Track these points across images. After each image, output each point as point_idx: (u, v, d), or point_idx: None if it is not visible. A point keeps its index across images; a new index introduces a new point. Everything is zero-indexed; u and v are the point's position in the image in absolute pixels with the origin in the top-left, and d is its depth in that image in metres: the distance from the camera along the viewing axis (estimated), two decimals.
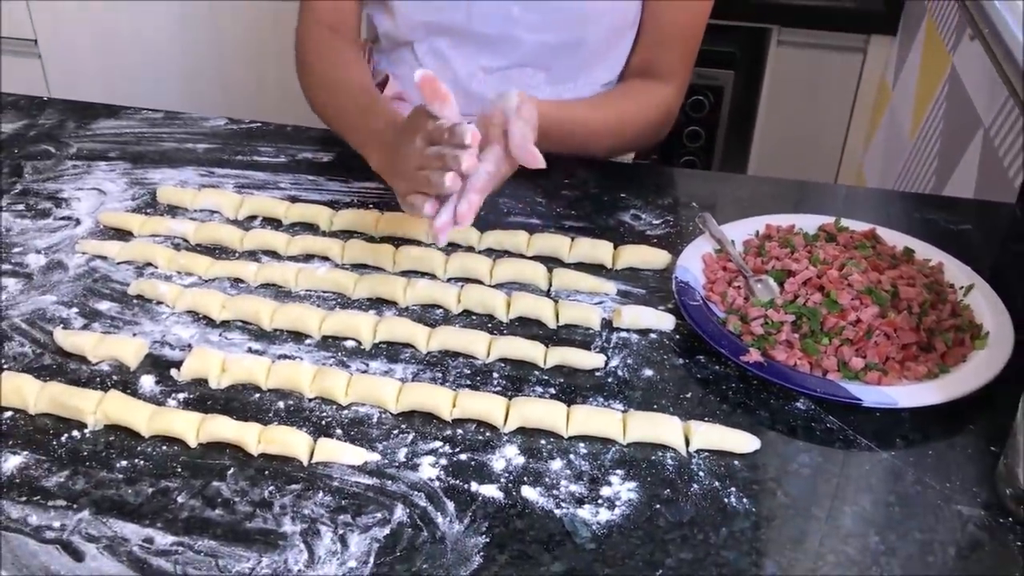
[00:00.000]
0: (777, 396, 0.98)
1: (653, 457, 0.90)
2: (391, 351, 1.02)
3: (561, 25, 1.29)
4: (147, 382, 0.97)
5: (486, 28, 1.30)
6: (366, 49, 1.46)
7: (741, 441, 0.91)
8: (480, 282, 1.12)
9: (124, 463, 0.88)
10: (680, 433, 0.91)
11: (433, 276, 1.12)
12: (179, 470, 0.88)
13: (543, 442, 0.92)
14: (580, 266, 1.16)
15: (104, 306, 1.07)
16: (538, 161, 0.97)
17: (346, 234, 1.20)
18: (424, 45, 1.34)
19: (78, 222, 1.21)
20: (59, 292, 1.09)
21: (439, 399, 0.93)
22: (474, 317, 1.07)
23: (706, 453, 0.91)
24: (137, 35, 2.64)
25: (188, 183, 1.29)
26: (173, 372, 0.98)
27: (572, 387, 0.98)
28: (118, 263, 1.14)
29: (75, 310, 1.07)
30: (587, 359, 1.00)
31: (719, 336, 1.00)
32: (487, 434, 0.92)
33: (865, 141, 2.37)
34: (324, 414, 0.94)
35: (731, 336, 1.01)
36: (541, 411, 0.92)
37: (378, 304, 1.09)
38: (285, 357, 1.01)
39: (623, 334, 1.05)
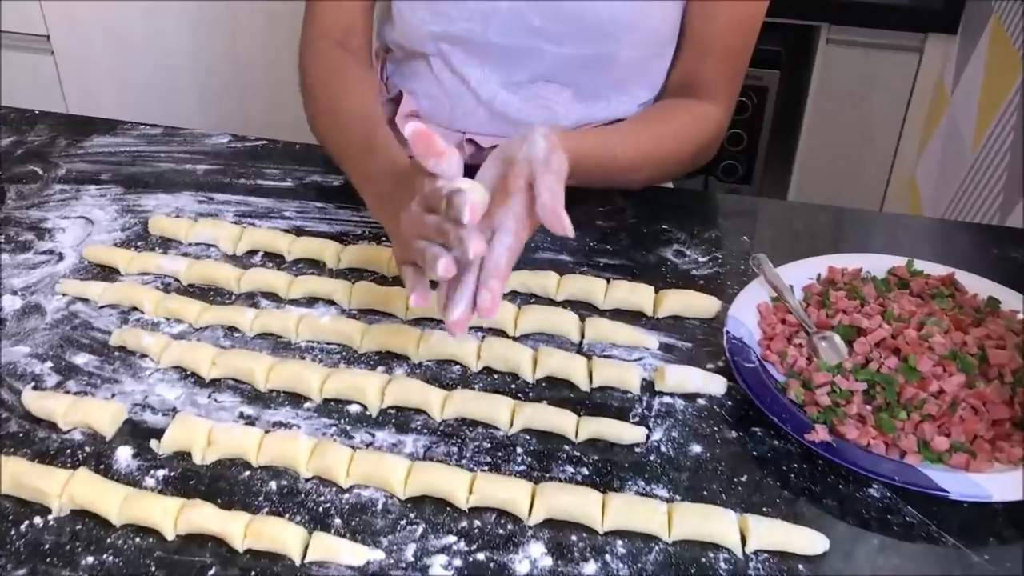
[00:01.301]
0: (847, 480, 0.84)
1: (703, 559, 0.77)
2: (401, 418, 0.90)
3: (586, 38, 1.15)
4: (123, 455, 0.85)
5: (504, 39, 1.16)
6: (379, 59, 1.32)
7: (807, 541, 0.78)
8: (503, 333, 0.99)
9: (91, 559, 0.76)
10: (735, 530, 0.78)
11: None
12: (152, 569, 0.76)
13: (574, 538, 0.79)
14: (617, 313, 1.02)
15: (82, 359, 0.96)
16: (567, 230, 0.82)
17: (355, 272, 1.07)
18: (438, 59, 1.20)
19: (61, 257, 1.10)
20: (34, 342, 0.98)
21: (454, 483, 0.81)
22: (496, 376, 0.94)
23: (765, 555, 0.77)
24: (152, 32, 2.53)
25: (184, 211, 1.17)
26: (153, 443, 0.86)
27: (608, 466, 0.85)
28: (101, 307, 1.02)
29: (49, 364, 0.95)
30: (625, 432, 0.87)
31: (780, 409, 0.87)
32: (509, 527, 0.80)
33: (919, 150, 2.20)
34: (322, 498, 0.82)
35: (793, 408, 0.87)
36: (572, 501, 0.79)
37: (388, 359, 0.96)
38: (280, 425, 0.89)
39: (667, 399, 0.92)
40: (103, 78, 2.61)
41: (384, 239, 1.12)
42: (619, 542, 0.79)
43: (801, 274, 1.04)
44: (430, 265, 0.81)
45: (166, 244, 1.12)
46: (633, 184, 1.15)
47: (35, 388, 0.92)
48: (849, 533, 0.80)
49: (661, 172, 1.15)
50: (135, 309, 1.02)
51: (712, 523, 0.78)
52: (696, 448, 0.87)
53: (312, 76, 1.18)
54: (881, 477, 0.81)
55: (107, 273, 1.07)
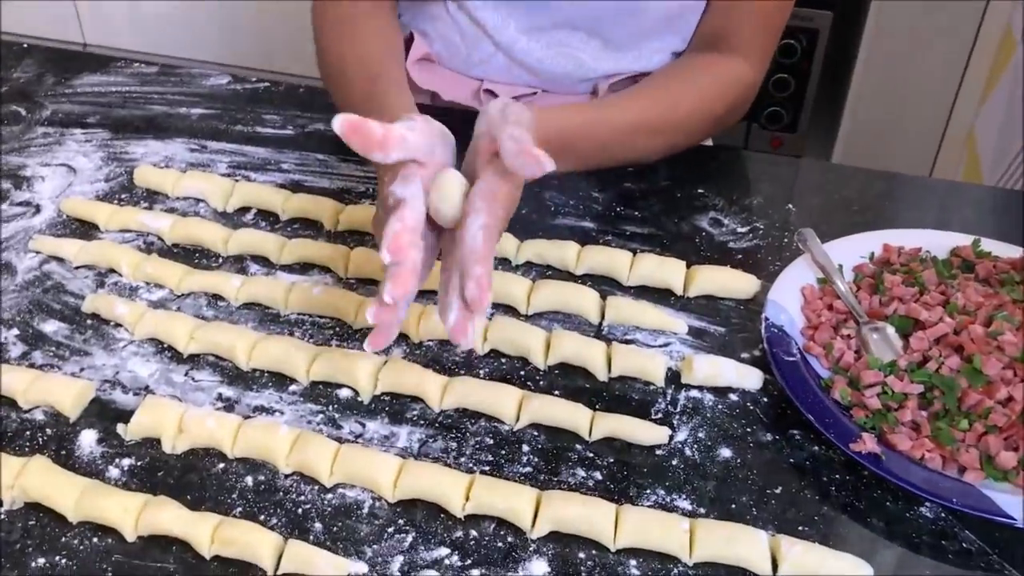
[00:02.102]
0: (897, 497, 0.74)
1: None
2: (395, 406, 0.80)
3: None
4: (87, 440, 0.77)
5: None
6: None
7: (848, 568, 0.68)
8: (514, 310, 0.89)
9: (41, 561, 0.69)
10: (766, 553, 0.69)
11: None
12: (108, 574, 0.68)
13: (582, 555, 0.70)
14: (642, 291, 0.92)
15: (51, 327, 0.87)
16: (543, 162, 0.68)
17: (354, 236, 0.97)
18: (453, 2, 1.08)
19: (38, 209, 1.01)
20: (0, 305, 0.89)
21: (449, 488, 0.72)
22: (504, 361, 0.84)
23: None
24: None
25: (174, 160, 1.07)
26: (120, 428, 0.77)
27: (624, 470, 0.75)
28: (76, 267, 0.93)
29: (15, 332, 0.86)
30: (645, 432, 0.77)
31: (822, 412, 0.76)
32: (509, 539, 0.71)
33: (979, 102, 2.04)
34: (302, 498, 0.73)
35: (838, 411, 0.77)
36: (581, 513, 0.70)
37: None
38: (262, 410, 0.80)
39: (694, 393, 0.82)
40: (120, 7, 2.51)
41: None
42: (632, 562, 0.69)
43: (852, 252, 0.92)
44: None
45: (152, 198, 1.02)
46: (650, 154, 1.02)
47: None
48: (896, 560, 0.70)
49: (681, 137, 1.01)
50: (113, 271, 0.93)
51: (740, 545, 0.69)
52: (725, 452, 0.77)
53: (321, 29, 1.05)
54: (936, 498, 0.71)
55: (85, 229, 0.98)
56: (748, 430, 0.79)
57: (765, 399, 0.81)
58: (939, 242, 0.92)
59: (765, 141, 2.40)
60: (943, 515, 0.72)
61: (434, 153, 0.72)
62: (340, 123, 0.67)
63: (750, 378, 0.82)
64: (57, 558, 0.69)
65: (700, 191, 1.04)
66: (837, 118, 2.24)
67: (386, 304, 0.69)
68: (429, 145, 0.72)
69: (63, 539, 0.70)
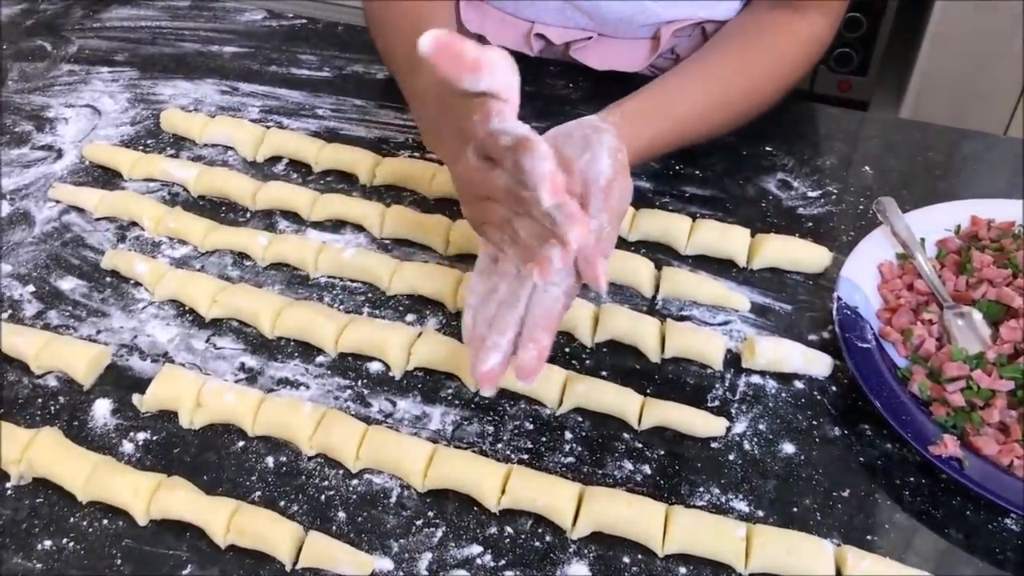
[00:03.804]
0: (979, 506, 0.67)
1: None
2: (429, 384, 0.74)
3: None
4: (101, 410, 0.72)
5: None
6: None
7: None
8: None
9: (48, 543, 0.64)
10: (831, 566, 0.62)
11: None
12: (117, 561, 0.63)
13: (626, 560, 0.64)
14: (702, 261, 0.84)
15: (68, 284, 0.82)
16: (599, 285, 0.62)
17: (391, 192, 0.91)
18: None
19: (60, 154, 0.95)
20: (17, 259, 0.84)
21: (484, 479, 0.66)
22: None
23: None
24: None
25: (203, 103, 1.01)
26: (136, 398, 0.73)
27: (676, 464, 0.69)
28: (96, 219, 0.88)
29: (31, 289, 0.82)
30: (701, 423, 0.70)
31: (898, 408, 0.69)
32: (547, 538, 0.65)
33: None
34: (325, 483, 0.68)
35: (915, 407, 0.69)
36: (627, 514, 0.64)
37: (420, 305, 0.80)
38: (286, 383, 0.74)
39: (755, 379, 0.75)
40: None
41: (430, 152, 0.94)
42: (682, 570, 0.63)
43: (935, 223, 0.83)
44: (537, 258, 0.61)
45: (178, 144, 0.96)
46: (724, 128, 0.91)
47: (11, 319, 0.79)
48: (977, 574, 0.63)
49: (760, 109, 0.91)
50: (135, 224, 0.87)
51: (801, 555, 0.62)
52: (788, 448, 0.70)
53: None
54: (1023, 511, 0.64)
55: (108, 177, 0.93)
56: (814, 423, 0.72)
57: (834, 388, 0.74)
58: None
59: (832, 84, 2.27)
60: None
61: (514, 91, 0.61)
62: (429, 40, 0.55)
63: (818, 364, 0.75)
64: (64, 540, 0.64)
65: (768, 149, 0.96)
66: (910, 63, 2.10)
67: (570, 251, 0.60)
68: (513, 82, 0.61)
69: (71, 520, 0.66)
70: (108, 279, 0.83)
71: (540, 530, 0.65)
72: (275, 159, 0.94)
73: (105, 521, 0.66)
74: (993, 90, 2.02)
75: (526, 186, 0.59)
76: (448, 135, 0.69)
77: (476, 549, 0.64)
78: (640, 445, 0.70)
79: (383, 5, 0.91)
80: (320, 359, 0.76)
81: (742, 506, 0.66)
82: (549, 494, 0.65)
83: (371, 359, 0.76)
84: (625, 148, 0.69)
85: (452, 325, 0.78)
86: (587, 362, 0.76)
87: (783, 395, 0.73)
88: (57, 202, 0.90)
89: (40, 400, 0.73)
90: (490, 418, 0.72)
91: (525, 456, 0.69)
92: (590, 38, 1.01)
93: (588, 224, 0.60)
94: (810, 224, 0.87)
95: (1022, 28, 1.91)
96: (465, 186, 0.67)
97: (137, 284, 0.82)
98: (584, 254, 0.63)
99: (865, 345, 0.73)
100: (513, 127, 0.60)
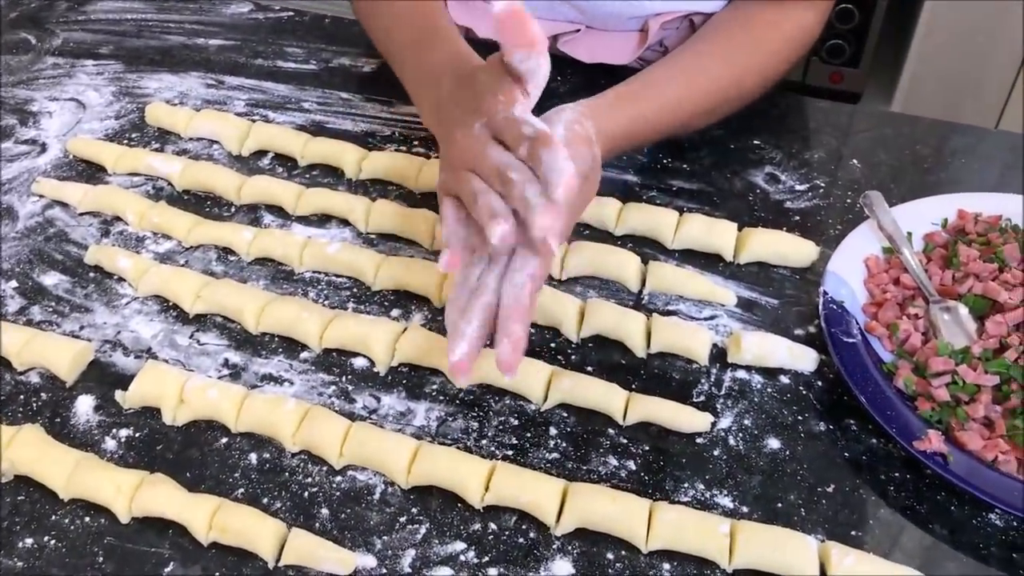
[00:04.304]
0: (963, 501, 0.66)
1: None
2: (414, 379, 0.74)
3: None
4: (84, 407, 0.72)
5: None
6: None
7: None
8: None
9: (29, 541, 0.64)
10: (814, 562, 0.62)
11: None
12: (99, 559, 0.63)
13: (610, 556, 0.64)
14: (688, 255, 0.84)
15: (51, 280, 0.82)
16: (548, 250, 0.61)
17: (377, 185, 0.90)
18: None
19: (43, 148, 0.95)
20: (1, 255, 0.84)
21: (467, 476, 0.66)
22: (533, 331, 0.77)
23: None
24: None
25: (189, 96, 1.00)
26: (119, 395, 0.72)
27: (660, 460, 0.69)
28: (80, 213, 0.87)
29: (14, 284, 0.81)
30: (686, 418, 0.70)
31: (884, 403, 0.69)
32: (531, 535, 0.65)
33: None
34: (309, 480, 0.68)
35: (900, 402, 0.69)
36: (611, 510, 0.64)
37: (405, 300, 0.80)
38: (270, 379, 0.74)
39: (741, 374, 0.74)
40: None
41: (417, 144, 0.94)
42: (666, 566, 0.63)
43: (922, 217, 0.83)
44: (485, 221, 0.61)
45: (163, 138, 0.96)
46: (712, 123, 0.92)
47: None
48: (960, 572, 0.63)
49: (744, 103, 0.91)
50: (119, 219, 0.87)
51: (785, 552, 0.62)
52: (773, 443, 0.70)
53: None
54: (1007, 506, 0.63)
55: (92, 171, 0.92)
56: (799, 418, 0.71)
57: (820, 383, 0.74)
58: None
59: (824, 75, 2.27)
60: (1015, 524, 0.65)
61: (538, 89, 0.64)
62: (505, 5, 0.58)
63: (804, 359, 0.74)
64: (46, 538, 0.64)
65: (756, 142, 0.95)
66: (902, 55, 2.10)
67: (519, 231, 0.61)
68: (543, 81, 0.64)
69: (53, 518, 0.65)
70: (92, 274, 0.82)
71: (524, 526, 0.65)
72: (261, 153, 0.94)
73: (87, 519, 0.65)
74: (986, 81, 2.02)
75: (520, 171, 0.61)
76: (459, 107, 0.69)
77: (460, 546, 0.64)
78: (625, 441, 0.70)
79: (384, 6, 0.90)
80: (304, 355, 0.76)
81: (727, 502, 0.66)
82: (533, 490, 0.65)
83: (356, 355, 0.75)
84: (590, 124, 0.69)
85: (437, 320, 0.78)
86: (572, 357, 0.76)
87: (768, 390, 0.73)
88: (40, 197, 0.89)
89: (22, 397, 0.73)
90: (475, 414, 0.72)
91: (510, 452, 0.69)
92: (578, 31, 1.01)
93: (559, 219, 0.60)
94: (797, 218, 0.87)
95: (1020, 22, 1.91)
96: (457, 152, 0.67)
97: (121, 279, 0.81)
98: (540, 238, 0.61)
99: (851, 340, 0.73)
100: (535, 120, 0.62)
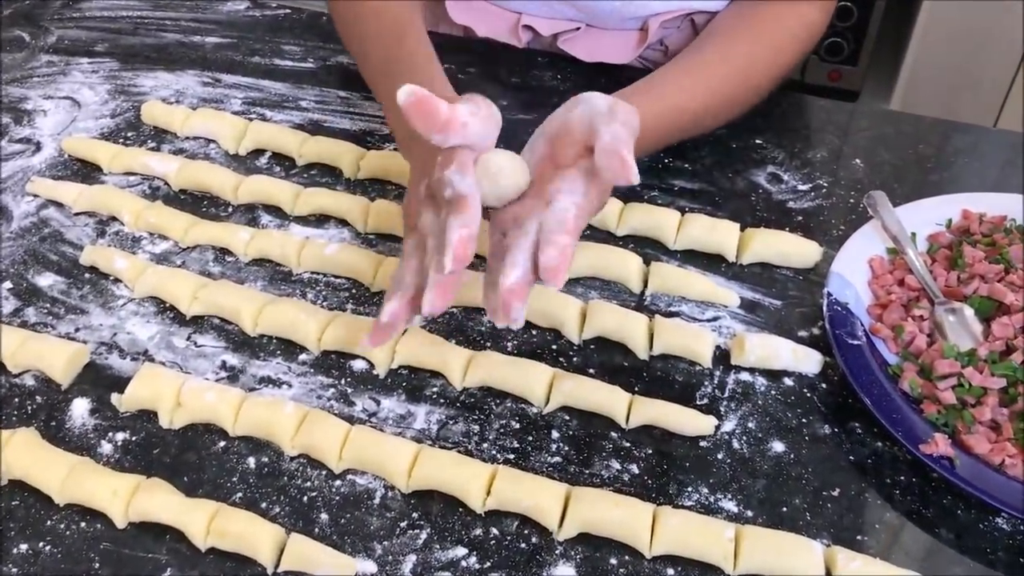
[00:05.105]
0: (970, 505, 0.66)
1: None
2: (414, 382, 0.73)
3: None
4: (79, 410, 0.71)
5: None
6: None
7: None
8: None
9: (24, 547, 0.63)
10: (820, 567, 0.61)
11: (484, 261, 0.81)
12: (96, 565, 0.62)
13: (613, 561, 0.63)
14: (691, 256, 0.83)
15: (47, 281, 0.81)
16: (631, 176, 0.60)
17: (375, 185, 0.89)
18: None
19: (38, 147, 0.94)
20: None
21: (469, 480, 0.65)
22: (535, 333, 0.77)
23: None
24: None
25: (185, 95, 0.99)
26: (115, 397, 0.71)
27: (664, 464, 0.68)
28: (75, 213, 0.86)
29: (8, 285, 0.80)
30: (689, 421, 0.69)
31: (889, 406, 0.68)
32: (533, 540, 0.64)
33: None
34: (308, 484, 0.67)
35: (906, 405, 0.68)
36: (614, 515, 0.63)
37: None
38: (268, 381, 0.73)
39: (745, 376, 0.74)
40: None
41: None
42: (670, 572, 0.62)
43: (927, 217, 0.82)
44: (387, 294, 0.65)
45: (159, 137, 0.94)
46: (718, 123, 0.90)
47: None
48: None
49: (752, 102, 0.90)
50: (114, 219, 0.86)
51: (790, 556, 0.62)
52: (777, 447, 0.69)
53: None
54: (1014, 511, 0.63)
55: (88, 171, 0.91)
56: (804, 421, 0.71)
57: (824, 385, 0.73)
58: None
59: (823, 73, 2.26)
60: (1022, 528, 0.64)
61: (487, 141, 0.63)
62: (407, 94, 0.58)
63: (808, 361, 0.74)
64: (41, 544, 0.63)
65: (758, 142, 0.95)
66: (900, 53, 2.09)
67: (418, 314, 0.65)
68: (487, 133, 0.63)
69: (48, 523, 0.64)
70: (87, 275, 0.81)
71: (526, 531, 0.64)
72: (258, 152, 0.93)
73: (83, 524, 0.64)
74: (984, 79, 2.02)
75: (435, 237, 0.62)
76: (414, 159, 0.70)
77: (461, 551, 0.63)
78: (628, 444, 0.69)
79: (348, 6, 0.89)
80: (303, 357, 0.75)
81: (731, 506, 0.66)
82: (535, 495, 0.64)
83: (355, 357, 0.75)
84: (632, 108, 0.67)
85: (438, 322, 0.77)
86: (574, 359, 0.75)
87: (772, 392, 0.73)
88: (35, 196, 0.88)
89: (17, 400, 0.72)
90: (476, 417, 0.71)
91: (511, 456, 0.68)
92: (578, 29, 1.00)
93: (451, 297, 0.61)
94: (800, 218, 0.86)
95: (1018, 20, 1.91)
96: (404, 211, 0.69)
97: (117, 280, 0.80)
98: (608, 148, 0.60)
99: (855, 342, 0.72)
100: (460, 181, 0.60)
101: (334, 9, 0.93)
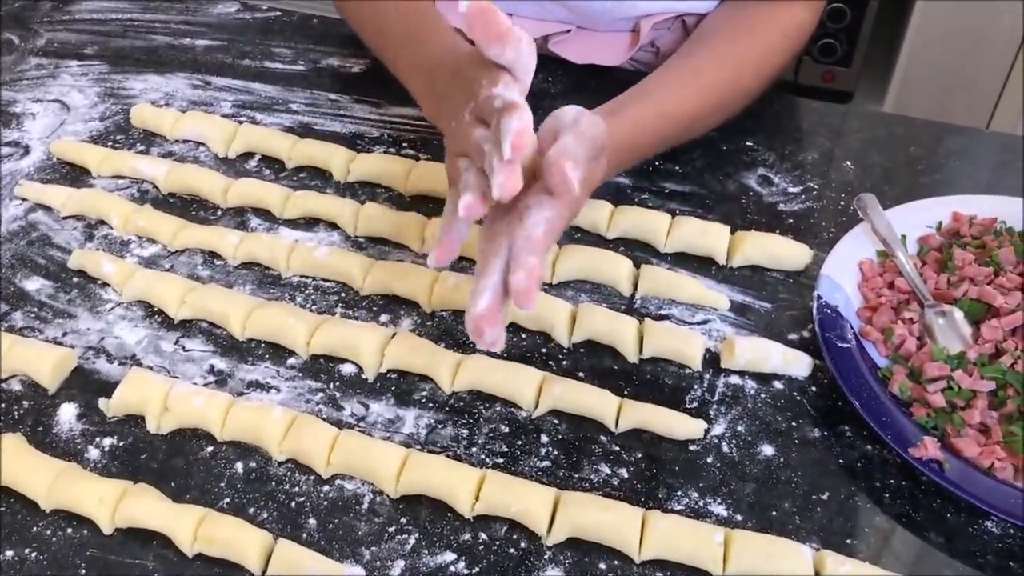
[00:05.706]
0: (959, 508, 0.66)
1: None
2: (403, 386, 0.73)
3: None
4: (66, 415, 0.71)
5: None
6: None
7: None
8: None
9: (10, 553, 0.63)
10: (809, 570, 0.61)
11: (473, 264, 0.81)
12: (82, 572, 0.62)
13: (603, 566, 0.63)
14: (681, 259, 0.83)
15: (35, 285, 0.80)
16: (570, 186, 0.60)
17: (365, 188, 0.89)
18: None
19: (27, 150, 0.93)
20: None
21: (457, 485, 0.65)
22: (524, 336, 0.77)
23: None
24: None
25: (175, 97, 0.99)
26: (102, 402, 0.71)
27: (654, 468, 0.68)
28: (64, 217, 0.86)
29: None
30: (679, 425, 0.69)
31: (878, 409, 0.68)
32: (522, 544, 0.64)
33: None
34: (296, 489, 0.66)
35: (895, 408, 0.68)
36: (603, 519, 0.63)
37: (394, 305, 0.79)
38: (256, 386, 0.73)
39: (734, 379, 0.74)
40: None
41: (406, 146, 0.93)
42: (659, 575, 0.62)
43: (917, 220, 0.82)
44: (462, 195, 0.63)
45: (149, 140, 0.94)
46: (710, 126, 0.90)
47: None
48: None
49: (742, 105, 0.90)
50: (103, 222, 0.86)
51: (779, 561, 0.61)
52: (767, 450, 0.69)
53: None
54: (1003, 514, 0.63)
55: (77, 174, 0.91)
56: (793, 424, 0.71)
57: (814, 388, 0.73)
58: (1018, 212, 0.82)
59: (816, 75, 2.26)
60: (1011, 532, 0.64)
61: (528, 72, 0.63)
62: (470, 4, 0.58)
63: (798, 365, 0.74)
64: (27, 551, 0.63)
65: (748, 144, 0.94)
66: (894, 54, 2.09)
67: (487, 200, 0.62)
68: (530, 62, 0.63)
69: (34, 529, 0.64)
70: (75, 279, 0.81)
71: (515, 536, 0.64)
72: (248, 155, 0.93)
73: (69, 530, 0.64)
74: (977, 80, 2.02)
75: (489, 141, 0.61)
76: (454, 99, 0.69)
77: (450, 556, 0.63)
78: (617, 448, 0.69)
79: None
80: (291, 361, 0.75)
81: (720, 510, 0.65)
82: (524, 499, 0.64)
83: (344, 361, 0.74)
84: (598, 117, 0.68)
85: (427, 325, 0.77)
86: (564, 363, 0.75)
87: (762, 396, 0.72)
88: (23, 200, 0.88)
89: (3, 405, 0.71)
90: (464, 421, 0.71)
91: (500, 460, 0.68)
92: (569, 31, 1.00)
93: (518, 182, 0.59)
94: (791, 221, 0.86)
95: (1012, 22, 1.91)
96: (450, 140, 0.69)
97: (105, 284, 0.80)
98: (551, 159, 0.61)
99: (845, 345, 0.72)
100: (508, 92, 0.61)
101: (345, 3, 0.93)
